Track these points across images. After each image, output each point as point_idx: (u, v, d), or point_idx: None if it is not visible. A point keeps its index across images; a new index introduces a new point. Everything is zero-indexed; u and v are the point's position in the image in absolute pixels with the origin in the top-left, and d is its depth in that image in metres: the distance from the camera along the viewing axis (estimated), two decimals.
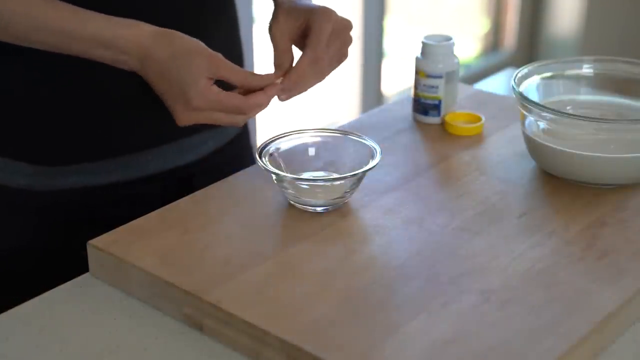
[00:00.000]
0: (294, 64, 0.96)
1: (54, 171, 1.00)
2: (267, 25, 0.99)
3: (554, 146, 0.98)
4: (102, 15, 0.90)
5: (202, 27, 1.00)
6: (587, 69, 1.09)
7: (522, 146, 1.04)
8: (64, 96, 0.97)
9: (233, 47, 1.08)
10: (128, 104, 0.99)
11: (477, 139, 1.10)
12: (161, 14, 0.96)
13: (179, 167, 1.06)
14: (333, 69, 0.99)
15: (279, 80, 0.95)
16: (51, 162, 0.99)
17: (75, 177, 1.00)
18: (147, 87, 0.93)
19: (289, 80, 0.95)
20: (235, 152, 1.12)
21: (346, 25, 0.98)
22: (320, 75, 0.97)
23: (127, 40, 0.89)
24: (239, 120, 0.94)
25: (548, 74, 1.07)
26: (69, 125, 0.98)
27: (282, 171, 0.94)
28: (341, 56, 0.99)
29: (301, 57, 0.96)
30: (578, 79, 1.09)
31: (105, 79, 0.95)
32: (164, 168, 1.05)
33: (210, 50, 0.91)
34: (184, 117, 0.92)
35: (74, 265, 0.91)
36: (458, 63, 1.13)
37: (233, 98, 0.91)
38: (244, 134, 1.16)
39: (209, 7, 1.02)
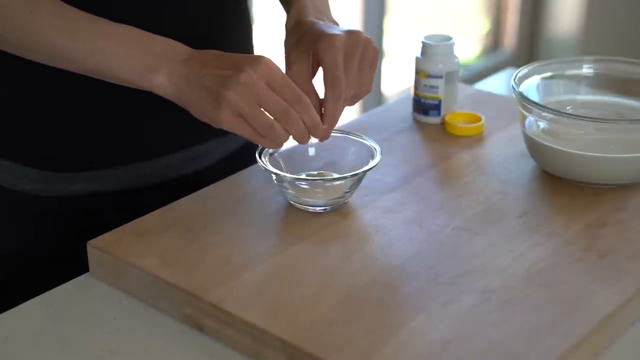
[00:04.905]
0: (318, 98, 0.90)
1: (61, 177, 0.99)
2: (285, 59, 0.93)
3: (554, 146, 0.98)
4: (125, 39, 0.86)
5: (216, 34, 0.99)
6: (587, 69, 1.09)
7: (522, 146, 1.04)
8: (73, 103, 0.97)
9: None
10: (137, 113, 0.99)
11: (477, 139, 1.10)
12: (175, 19, 0.95)
13: (186, 175, 1.05)
14: (368, 79, 0.91)
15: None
16: (59, 168, 0.99)
17: (82, 183, 1.00)
18: (156, 96, 0.92)
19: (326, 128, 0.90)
20: (244, 159, 1.09)
21: (355, 39, 0.89)
22: (356, 98, 0.91)
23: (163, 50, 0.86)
24: (275, 131, 0.84)
25: (548, 74, 1.07)
26: (77, 133, 0.98)
27: (282, 171, 0.94)
28: (364, 67, 0.90)
29: (325, 103, 0.89)
30: (578, 79, 1.09)
31: (115, 87, 0.94)
32: (172, 176, 1.04)
33: None
34: (236, 92, 0.81)
35: (74, 268, 0.90)
36: (458, 63, 1.13)
37: (295, 86, 0.84)
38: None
39: (222, 14, 1.01)
